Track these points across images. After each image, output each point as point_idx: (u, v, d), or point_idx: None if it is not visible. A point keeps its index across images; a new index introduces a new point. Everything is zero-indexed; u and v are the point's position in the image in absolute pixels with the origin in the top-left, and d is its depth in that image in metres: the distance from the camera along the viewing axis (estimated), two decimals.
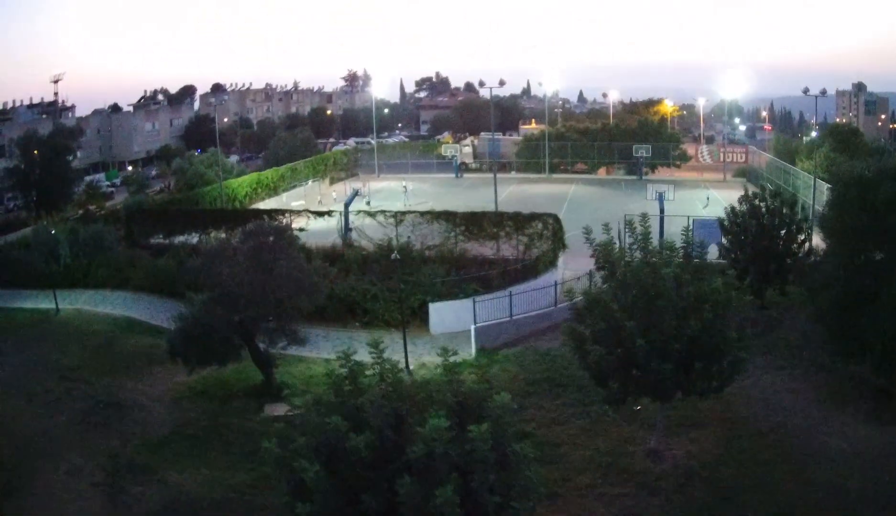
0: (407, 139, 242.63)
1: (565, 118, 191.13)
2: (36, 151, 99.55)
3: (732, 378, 31.99)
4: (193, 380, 45.02)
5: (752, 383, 37.99)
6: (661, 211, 72.57)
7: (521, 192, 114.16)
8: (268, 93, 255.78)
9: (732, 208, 49.90)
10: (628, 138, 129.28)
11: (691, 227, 62.62)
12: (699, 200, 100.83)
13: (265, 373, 43.85)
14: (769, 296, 50.48)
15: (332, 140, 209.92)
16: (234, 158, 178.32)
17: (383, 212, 70.08)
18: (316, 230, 72.10)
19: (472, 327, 49.85)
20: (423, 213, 68.13)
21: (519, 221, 64.80)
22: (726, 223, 50.03)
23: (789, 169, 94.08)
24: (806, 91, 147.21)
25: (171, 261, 65.21)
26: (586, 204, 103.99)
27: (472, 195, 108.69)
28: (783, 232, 47.97)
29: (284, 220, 70.54)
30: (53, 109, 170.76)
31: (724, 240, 50.52)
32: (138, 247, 76.06)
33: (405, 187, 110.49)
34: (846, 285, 37.48)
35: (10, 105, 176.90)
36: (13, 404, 41.85)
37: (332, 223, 74.16)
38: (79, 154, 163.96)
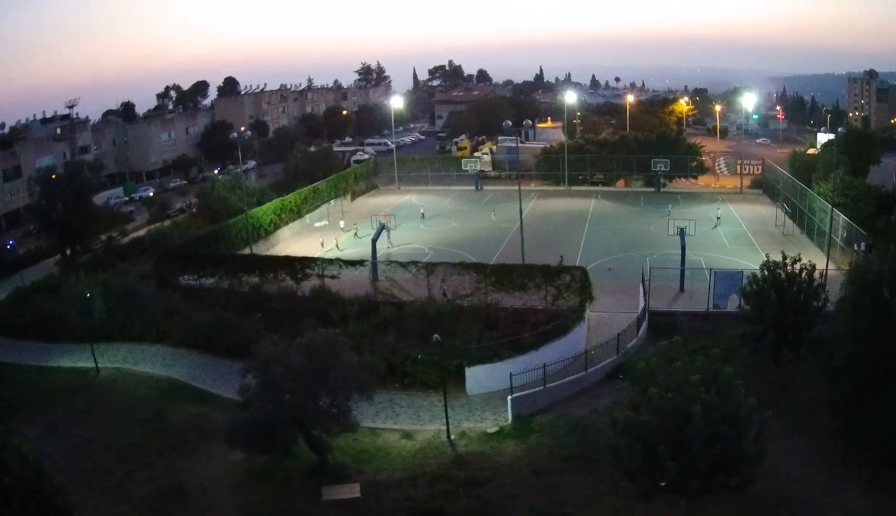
0: (423, 137, 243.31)
1: (583, 122, 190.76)
2: (54, 176, 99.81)
3: (752, 482, 33.29)
4: (250, 460, 45.71)
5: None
6: (683, 248, 73.72)
7: (542, 208, 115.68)
8: (283, 94, 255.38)
9: (754, 275, 50.79)
10: (646, 150, 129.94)
11: (713, 280, 64.68)
12: (711, 219, 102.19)
13: (320, 456, 44.74)
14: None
15: (348, 146, 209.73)
16: (251, 165, 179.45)
17: (415, 263, 71.33)
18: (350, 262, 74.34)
19: (509, 398, 50.87)
20: (453, 265, 69.24)
21: (548, 274, 66.19)
22: (747, 289, 50.98)
23: (806, 191, 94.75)
24: None
25: (208, 317, 65.87)
26: (608, 221, 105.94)
27: (494, 211, 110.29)
28: (801, 297, 48.91)
29: (316, 270, 72.16)
30: (68, 123, 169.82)
31: (745, 306, 51.44)
32: (168, 286, 77.26)
33: (423, 213, 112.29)
34: (859, 376, 39.39)
35: (22, 121, 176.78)
36: (75, 489, 41.69)
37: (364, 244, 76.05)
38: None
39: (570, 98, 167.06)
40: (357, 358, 45.26)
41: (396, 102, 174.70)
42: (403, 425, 51.37)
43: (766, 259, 51.36)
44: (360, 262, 73.54)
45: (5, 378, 61.41)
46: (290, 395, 41.74)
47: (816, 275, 49.95)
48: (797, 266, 49.23)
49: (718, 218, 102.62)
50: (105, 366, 62.45)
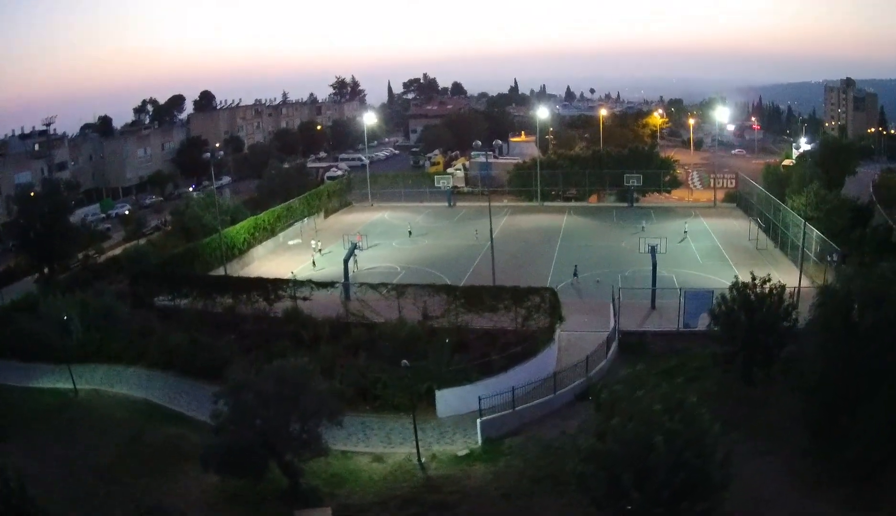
0: (397, 151, 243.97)
1: (556, 136, 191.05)
2: (32, 194, 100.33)
3: (718, 508, 33.67)
4: (225, 483, 46.19)
5: (735, 472, 39.41)
6: (654, 265, 74.70)
7: (514, 225, 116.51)
8: (257, 109, 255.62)
9: (723, 296, 51.44)
10: (619, 165, 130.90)
11: (683, 299, 65.25)
12: (678, 234, 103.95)
13: (292, 481, 45.24)
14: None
15: (322, 161, 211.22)
16: (226, 181, 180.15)
17: (385, 285, 72.19)
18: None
19: (479, 421, 51.69)
20: (423, 286, 70.04)
21: (517, 295, 66.89)
22: (717, 310, 51.58)
23: (780, 206, 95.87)
24: None
25: (182, 338, 66.68)
26: (580, 237, 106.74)
27: (467, 229, 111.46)
28: (771, 316, 49.46)
29: (289, 291, 72.75)
30: (45, 140, 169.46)
31: (714, 327, 52.03)
32: (144, 306, 77.97)
33: (410, 231, 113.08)
34: (830, 396, 40.10)
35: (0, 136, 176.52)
36: (58, 511, 42.67)
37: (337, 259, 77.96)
38: (71, 181, 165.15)
39: (543, 114, 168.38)
40: (327, 385, 45.79)
41: (370, 119, 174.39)
42: (375, 448, 52.00)
43: (735, 279, 51.90)
44: (332, 284, 74.36)
45: None
46: (261, 421, 42.28)
47: (787, 295, 50.52)
48: (767, 286, 49.89)
49: (686, 232, 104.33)
50: (83, 388, 63.10)
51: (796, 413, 43.53)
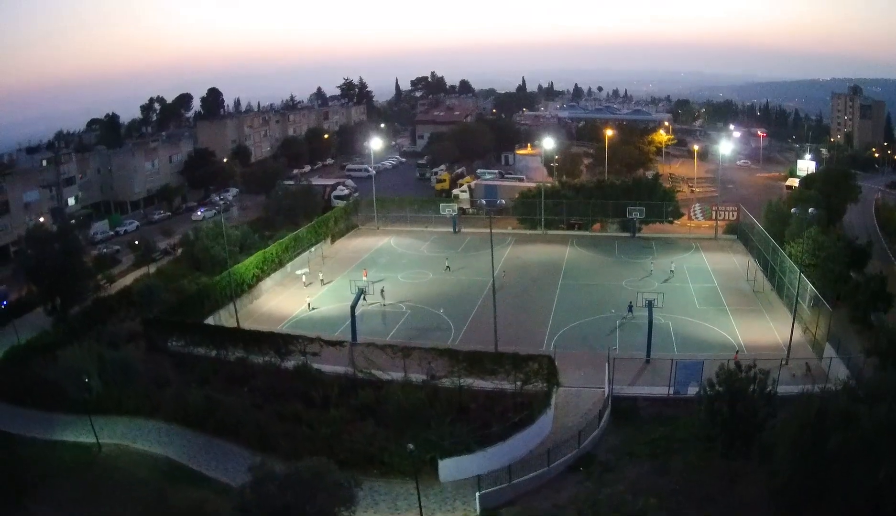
0: (403, 160, 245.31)
1: (562, 156, 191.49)
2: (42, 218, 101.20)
3: None
4: None
5: None
6: (650, 322, 76.96)
7: (517, 258, 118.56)
8: (265, 117, 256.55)
9: (710, 382, 53.90)
10: (623, 195, 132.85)
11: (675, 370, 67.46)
12: (665, 272, 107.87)
13: None
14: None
15: (328, 174, 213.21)
16: (233, 193, 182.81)
17: (392, 346, 74.55)
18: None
19: (478, 494, 54.51)
20: (428, 350, 72.63)
21: (517, 361, 69.49)
22: (702, 393, 54.02)
23: (777, 249, 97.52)
24: None
25: (197, 395, 68.86)
26: (582, 275, 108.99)
27: (471, 262, 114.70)
28: (752, 400, 51.96)
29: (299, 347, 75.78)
30: (52, 155, 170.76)
31: (701, 411, 54.40)
32: (157, 350, 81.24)
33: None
34: (795, 495, 43.16)
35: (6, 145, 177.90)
36: None
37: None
38: (80, 195, 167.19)
39: (549, 144, 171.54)
40: (341, 476, 48.28)
41: (376, 144, 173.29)
42: (383, 515, 54.64)
43: (721, 367, 54.12)
44: (340, 343, 76.81)
45: (15, 451, 63.48)
46: (282, 504, 45.00)
47: (769, 380, 52.88)
48: (752, 372, 52.35)
49: (672, 271, 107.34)
50: (106, 443, 65.49)
51: (769, 488, 46.52)
